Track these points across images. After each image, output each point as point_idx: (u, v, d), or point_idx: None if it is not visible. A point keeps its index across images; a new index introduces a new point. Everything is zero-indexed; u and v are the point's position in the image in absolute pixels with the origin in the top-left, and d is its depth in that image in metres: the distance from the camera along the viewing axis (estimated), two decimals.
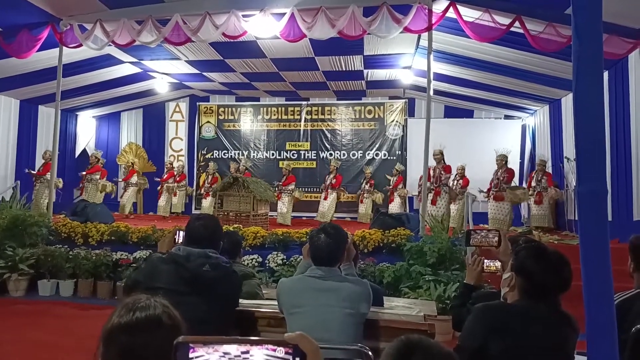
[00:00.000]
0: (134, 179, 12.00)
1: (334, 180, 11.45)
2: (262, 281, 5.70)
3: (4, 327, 5.36)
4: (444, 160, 9.42)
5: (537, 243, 2.19)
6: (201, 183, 12.57)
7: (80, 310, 6.29)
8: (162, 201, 11.92)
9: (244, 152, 13.53)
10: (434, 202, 8.99)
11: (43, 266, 7.02)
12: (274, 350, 0.84)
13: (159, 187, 12.17)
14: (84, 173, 11.07)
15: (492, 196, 8.79)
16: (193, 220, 2.56)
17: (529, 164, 11.65)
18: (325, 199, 11.34)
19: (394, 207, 11.18)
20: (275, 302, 2.49)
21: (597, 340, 1.19)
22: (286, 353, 0.84)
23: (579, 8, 1.23)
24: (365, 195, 11.63)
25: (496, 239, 2.47)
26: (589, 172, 1.21)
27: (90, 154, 11.94)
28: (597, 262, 1.20)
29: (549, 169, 10.25)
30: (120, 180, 12.28)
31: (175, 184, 12.08)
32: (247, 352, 0.84)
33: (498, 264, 2.53)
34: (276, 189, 10.88)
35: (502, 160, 8.98)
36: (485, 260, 2.55)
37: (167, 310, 1.20)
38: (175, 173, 12.30)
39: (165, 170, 12.51)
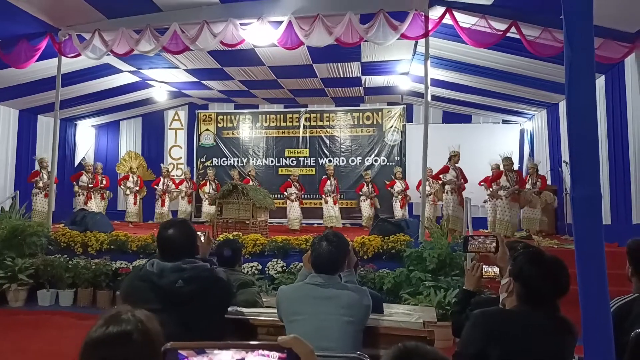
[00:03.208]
0: (134, 184, 11.98)
1: (335, 182, 11.45)
2: (261, 289, 5.70)
3: (3, 338, 5.34)
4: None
5: (534, 249, 2.20)
6: (202, 189, 12.51)
7: (79, 320, 6.26)
8: (163, 209, 11.90)
9: (243, 159, 13.56)
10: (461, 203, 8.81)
11: (42, 276, 7.00)
12: (268, 356, 0.83)
13: (160, 194, 12.07)
14: (91, 186, 11.07)
15: (509, 197, 8.53)
16: (162, 230, 2.34)
17: (527, 169, 11.65)
18: (335, 203, 11.26)
19: (401, 211, 11.19)
20: (275, 310, 2.48)
21: (593, 345, 1.20)
22: (280, 358, 0.83)
23: (570, 16, 1.24)
24: (372, 198, 11.57)
25: (494, 244, 2.47)
26: (583, 178, 1.22)
27: (85, 166, 11.68)
28: (592, 266, 1.21)
29: (547, 173, 10.25)
30: (128, 188, 12.17)
31: (184, 190, 12.07)
32: (242, 359, 0.83)
33: (496, 269, 2.53)
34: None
35: (511, 163, 8.81)
36: (484, 266, 2.55)
37: (142, 326, 1.19)
38: (161, 179, 12.20)
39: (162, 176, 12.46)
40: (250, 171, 12.02)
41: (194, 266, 2.26)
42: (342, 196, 12.33)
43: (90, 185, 10.99)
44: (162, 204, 11.87)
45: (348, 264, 2.70)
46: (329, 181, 11.41)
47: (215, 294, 2.27)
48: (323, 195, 11.35)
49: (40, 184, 9.86)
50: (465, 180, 9.09)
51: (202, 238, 2.79)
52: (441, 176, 9.32)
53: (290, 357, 0.84)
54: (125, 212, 11.84)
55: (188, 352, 0.82)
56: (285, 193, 11.34)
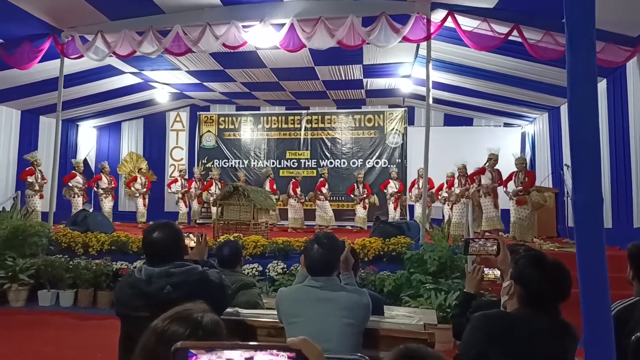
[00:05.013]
0: (142, 185, 12.00)
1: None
2: (262, 290, 5.70)
3: (3, 338, 5.34)
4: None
5: (536, 252, 2.20)
6: (208, 190, 12.49)
7: (80, 320, 6.28)
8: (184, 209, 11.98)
9: (244, 161, 13.60)
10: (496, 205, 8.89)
11: (43, 276, 7.00)
12: (277, 355, 0.84)
13: (179, 196, 12.05)
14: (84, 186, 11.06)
15: (514, 200, 8.40)
16: (147, 234, 2.31)
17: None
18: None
19: (394, 213, 11.24)
20: (276, 312, 2.48)
21: (594, 348, 1.20)
22: (289, 358, 0.84)
23: (572, 20, 1.25)
24: (365, 200, 11.57)
25: (495, 247, 2.47)
26: (584, 182, 1.22)
27: (75, 164, 11.55)
28: (594, 270, 1.21)
29: (549, 176, 10.24)
30: (142, 190, 12.14)
31: (193, 191, 12.05)
32: (251, 358, 0.83)
33: (497, 272, 2.53)
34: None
35: (523, 163, 8.67)
36: (485, 269, 2.55)
37: (200, 334, 1.14)
38: (178, 179, 12.26)
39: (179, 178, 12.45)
40: (270, 175, 11.99)
41: (184, 270, 2.21)
42: (342, 198, 12.42)
43: (83, 186, 10.96)
44: (186, 205, 12.01)
45: (347, 266, 2.69)
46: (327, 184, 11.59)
47: (205, 298, 2.23)
48: (322, 197, 11.49)
49: (36, 187, 9.81)
50: (502, 183, 8.89)
51: (200, 240, 2.79)
52: (468, 183, 9.36)
53: (299, 358, 0.84)
54: (136, 213, 11.92)
55: (198, 351, 0.83)
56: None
